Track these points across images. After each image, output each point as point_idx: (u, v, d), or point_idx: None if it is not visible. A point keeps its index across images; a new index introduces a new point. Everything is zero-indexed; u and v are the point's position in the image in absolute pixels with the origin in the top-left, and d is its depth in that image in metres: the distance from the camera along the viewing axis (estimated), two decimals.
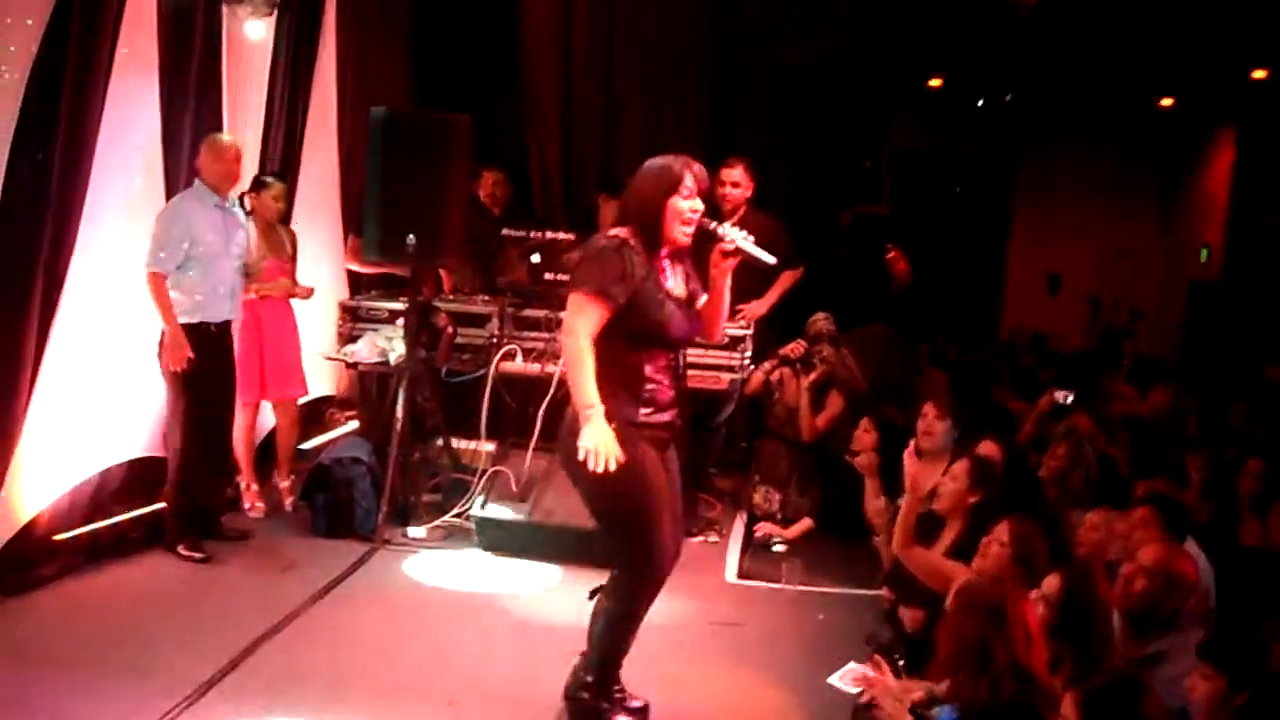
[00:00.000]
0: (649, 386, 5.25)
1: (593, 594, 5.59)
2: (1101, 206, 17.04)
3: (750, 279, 8.86)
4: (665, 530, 5.36)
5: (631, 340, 5.19)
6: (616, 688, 5.62)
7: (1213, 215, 15.92)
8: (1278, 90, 13.34)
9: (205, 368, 7.64)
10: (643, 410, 5.25)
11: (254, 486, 8.66)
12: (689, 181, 5.22)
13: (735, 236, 5.28)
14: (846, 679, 6.29)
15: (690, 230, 5.26)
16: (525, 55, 11.75)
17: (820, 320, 9.87)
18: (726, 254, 5.28)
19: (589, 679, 5.54)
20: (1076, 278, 17.28)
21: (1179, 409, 10.01)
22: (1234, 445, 8.45)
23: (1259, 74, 13.22)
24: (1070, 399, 8.68)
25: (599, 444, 5.00)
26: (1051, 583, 5.35)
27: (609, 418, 5.11)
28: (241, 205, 8.26)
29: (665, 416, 5.35)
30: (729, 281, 5.39)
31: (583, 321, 5.12)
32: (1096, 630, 5.28)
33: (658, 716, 5.74)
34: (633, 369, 5.23)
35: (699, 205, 5.27)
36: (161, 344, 7.51)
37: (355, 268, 9.65)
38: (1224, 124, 15.76)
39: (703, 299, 5.47)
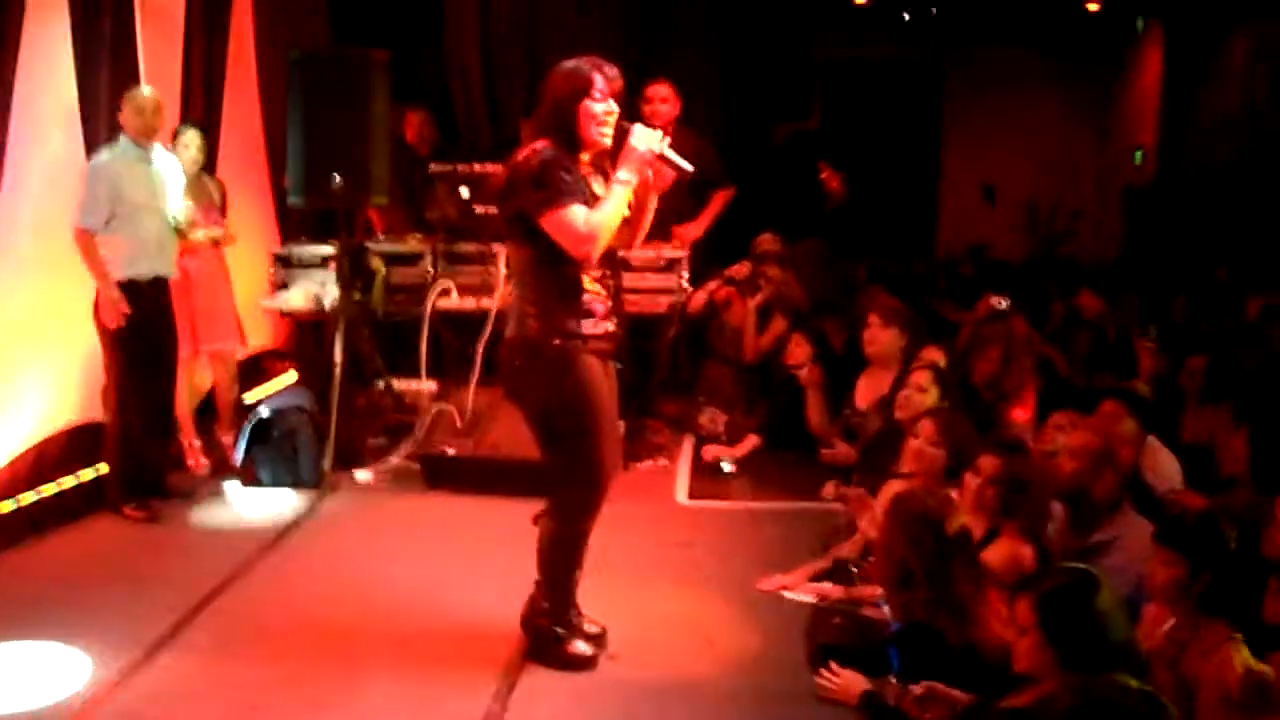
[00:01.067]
0: (586, 297, 5.20)
1: (536, 519, 5.55)
2: (1035, 114, 17.05)
3: (684, 201, 8.89)
4: (608, 445, 5.36)
5: (563, 252, 5.12)
6: (573, 613, 5.59)
7: (1145, 117, 15.94)
8: None
9: (140, 324, 7.53)
10: (585, 322, 5.20)
11: (196, 443, 8.59)
12: (600, 83, 5.13)
13: (650, 137, 5.20)
14: (801, 591, 6.29)
15: (607, 132, 5.18)
16: None
17: (766, 240, 9.86)
18: (640, 153, 5.16)
19: (545, 605, 5.52)
20: (1013, 187, 17.29)
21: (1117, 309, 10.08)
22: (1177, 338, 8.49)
23: None
24: (1005, 304, 8.69)
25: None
26: (987, 463, 5.39)
27: (551, 334, 5.12)
28: None
29: (607, 326, 5.30)
30: (630, 185, 5.22)
31: (578, 221, 5.02)
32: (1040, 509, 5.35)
33: (616, 640, 5.73)
34: (570, 281, 5.17)
35: (614, 108, 5.18)
36: (97, 304, 7.42)
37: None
38: (1151, 24, 15.76)
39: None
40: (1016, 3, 14.92)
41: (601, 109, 5.14)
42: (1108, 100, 17.29)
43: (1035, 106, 17.06)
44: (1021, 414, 7.23)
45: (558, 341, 5.14)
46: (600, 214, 5.07)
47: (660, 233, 8.61)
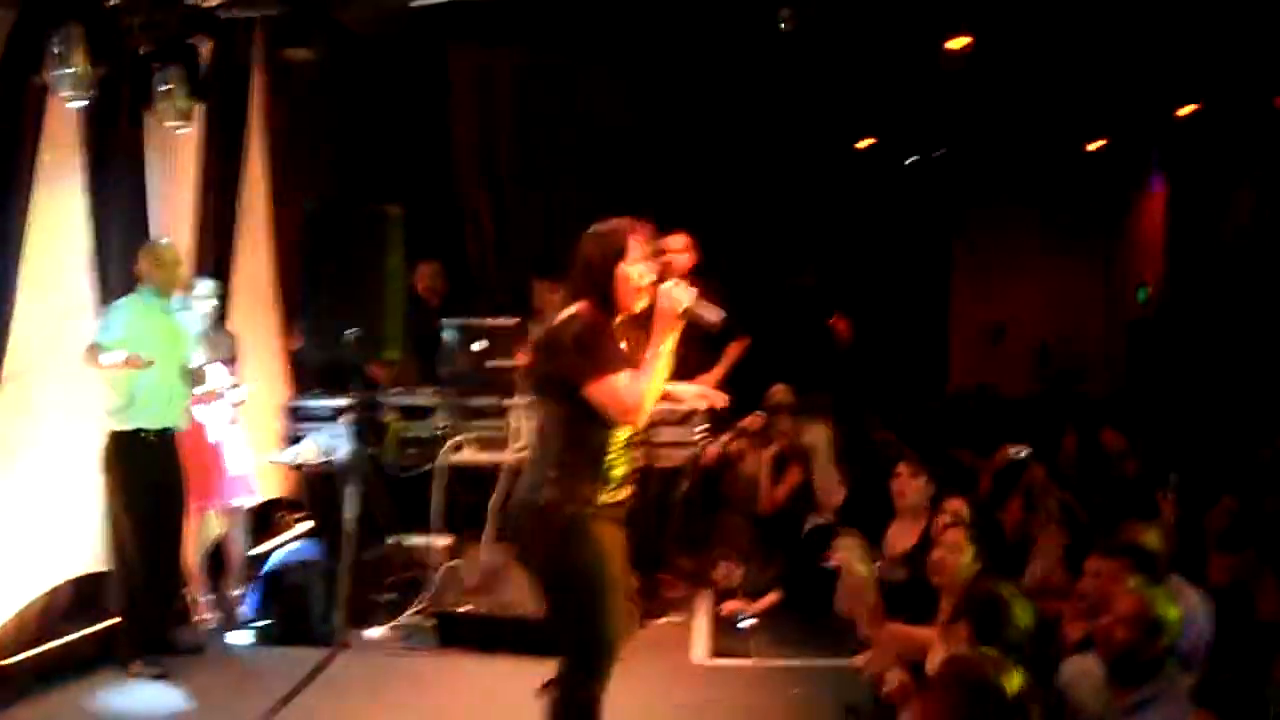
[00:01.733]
0: (607, 465, 5.14)
1: (542, 689, 5.45)
2: (1040, 256, 17.11)
3: (698, 353, 8.85)
4: (617, 615, 5.26)
5: (598, 416, 5.07)
6: None
7: (1150, 255, 16.00)
8: (1205, 125, 13.43)
9: (149, 476, 7.51)
10: (602, 489, 5.14)
11: (205, 596, 8.47)
12: (635, 246, 5.12)
13: (680, 293, 5.16)
14: None
15: (644, 294, 5.15)
16: (454, 147, 11.73)
17: (779, 392, 9.83)
18: (675, 314, 5.14)
19: None
20: (1018, 328, 17.31)
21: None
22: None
23: (1184, 110, 13.30)
24: (1025, 453, 8.63)
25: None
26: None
27: (566, 501, 5.06)
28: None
29: (621, 494, 5.25)
30: (668, 349, 5.22)
31: (624, 391, 4.99)
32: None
33: None
34: (595, 447, 5.12)
35: (650, 272, 5.15)
36: (102, 453, 7.38)
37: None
38: (1155, 163, 15.86)
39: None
40: (1021, 147, 14.99)
41: (638, 272, 5.11)
42: (1113, 238, 17.34)
43: (1041, 247, 17.12)
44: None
45: (570, 510, 5.08)
46: (644, 381, 5.03)
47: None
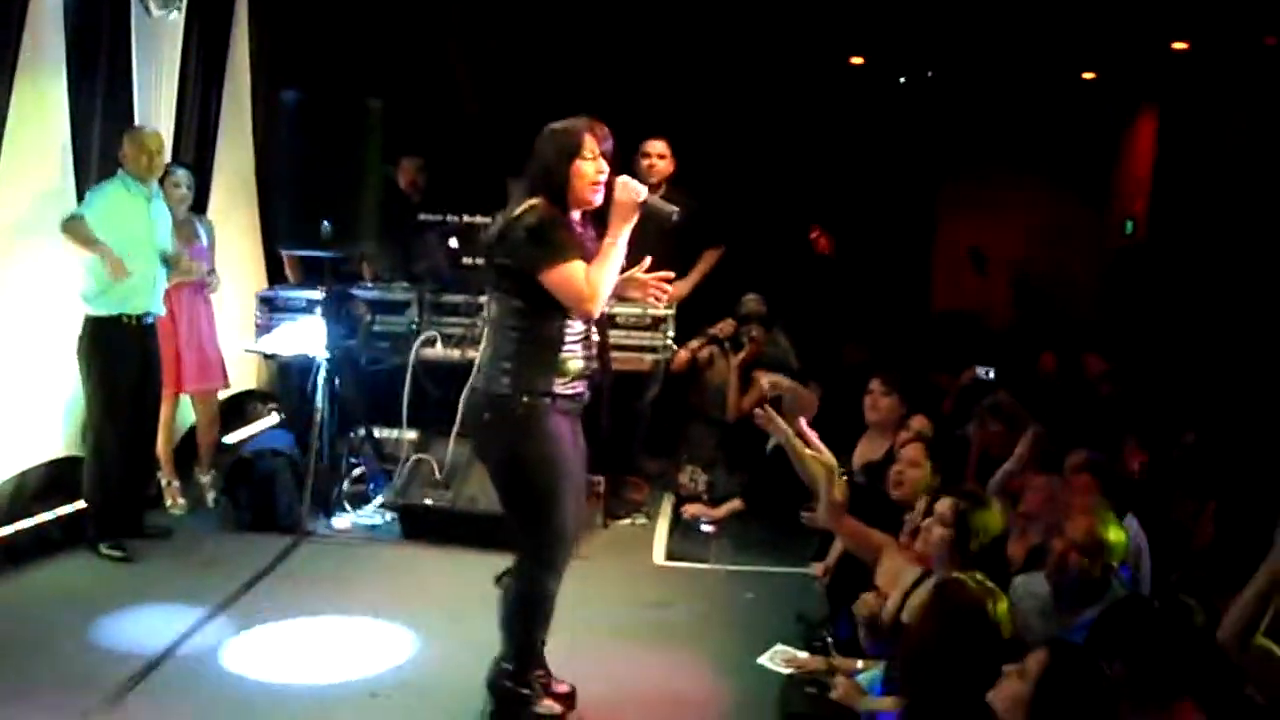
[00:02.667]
0: (563, 355, 5.21)
1: (499, 579, 5.53)
2: (1027, 182, 17.07)
3: (672, 259, 8.88)
4: (573, 505, 5.35)
5: (554, 307, 5.12)
6: (540, 672, 5.56)
7: (1138, 188, 15.98)
8: (1198, 63, 13.39)
9: (125, 362, 7.56)
10: (557, 380, 5.21)
11: (175, 482, 8.56)
12: (591, 144, 5.16)
13: (634, 188, 5.21)
14: (776, 659, 6.28)
15: (599, 190, 5.19)
16: (447, 44, 11.70)
17: (750, 300, 9.85)
18: (632, 206, 5.18)
19: (508, 666, 5.45)
20: (1003, 254, 17.30)
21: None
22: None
23: (1179, 46, 13.26)
24: (991, 374, 8.70)
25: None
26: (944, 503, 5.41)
27: (521, 391, 5.14)
28: None
29: (578, 387, 5.31)
30: (623, 241, 5.25)
31: (579, 279, 5.05)
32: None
33: (585, 700, 5.68)
34: (549, 338, 5.19)
35: (604, 168, 5.19)
36: (81, 338, 7.42)
37: (290, 275, 9.55)
38: (1147, 96, 15.82)
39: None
40: (1013, 74, 14.96)
41: (592, 169, 5.16)
42: (1102, 171, 17.31)
43: (1029, 176, 17.08)
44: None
45: (526, 399, 5.16)
46: (599, 271, 5.09)
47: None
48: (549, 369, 5.19)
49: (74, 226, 7.34)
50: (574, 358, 5.25)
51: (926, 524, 5.60)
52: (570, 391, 5.27)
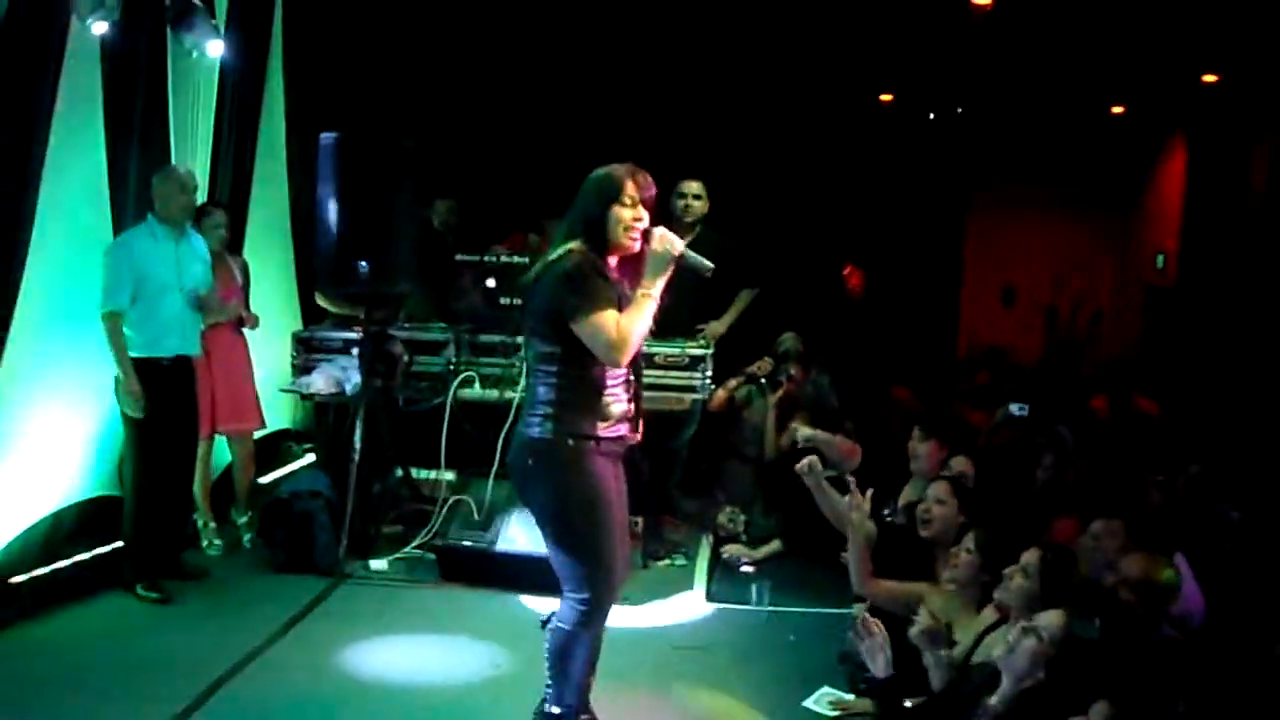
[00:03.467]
0: (605, 400, 5.20)
1: (544, 623, 5.49)
2: (1057, 217, 17.06)
3: (709, 299, 8.89)
4: (616, 548, 5.32)
5: (590, 352, 5.11)
6: (585, 717, 5.51)
7: (1168, 221, 15.95)
8: (1227, 94, 13.38)
9: (162, 404, 7.53)
10: (600, 424, 5.20)
11: (211, 523, 8.55)
12: (631, 190, 5.16)
13: (669, 242, 5.20)
14: (822, 702, 6.24)
15: (636, 238, 5.18)
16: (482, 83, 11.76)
17: (788, 338, 9.84)
18: (668, 258, 5.18)
19: (554, 711, 5.43)
20: (1032, 289, 17.29)
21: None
22: None
23: (1209, 78, 13.24)
24: (1025, 410, 8.68)
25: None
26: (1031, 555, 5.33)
27: (562, 433, 5.13)
28: None
29: (620, 430, 5.30)
30: (657, 292, 5.23)
31: (610, 328, 5.03)
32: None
33: None
34: (590, 382, 5.18)
35: (643, 214, 5.19)
36: (117, 379, 7.42)
37: (328, 307, 9.51)
38: (1176, 129, 15.80)
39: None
40: (1042, 106, 14.95)
41: (630, 215, 5.16)
42: (1131, 203, 17.28)
43: (1058, 209, 17.06)
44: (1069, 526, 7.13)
45: (571, 442, 5.15)
46: (630, 321, 5.07)
47: (685, 330, 8.60)
48: (590, 412, 5.19)
49: (113, 325, 7.33)
50: (616, 401, 5.25)
51: (1008, 572, 5.53)
52: (612, 434, 5.27)
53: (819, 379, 9.81)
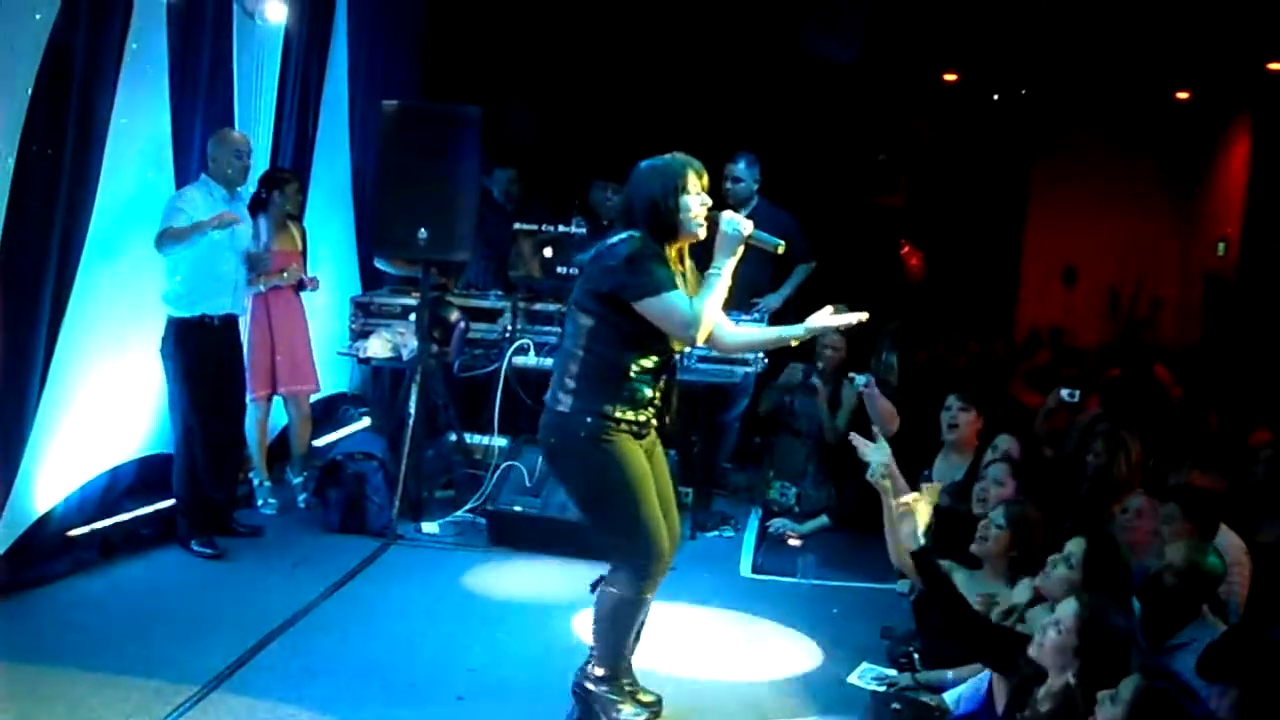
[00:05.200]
0: (630, 387, 5.27)
1: (594, 586, 5.55)
2: (1118, 200, 16.95)
3: (765, 273, 8.91)
4: (656, 516, 5.35)
5: (630, 338, 5.20)
6: (628, 681, 5.56)
7: (1230, 208, 15.83)
8: None
9: (209, 361, 7.67)
10: (620, 407, 5.26)
11: (267, 482, 8.65)
12: (693, 179, 5.24)
13: (739, 223, 5.27)
14: (866, 677, 6.26)
15: (703, 224, 5.25)
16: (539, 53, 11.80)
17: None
18: (738, 239, 5.25)
19: (598, 672, 5.48)
20: (1093, 271, 17.20)
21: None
22: None
23: (1275, 66, 13.13)
24: (1076, 395, 8.68)
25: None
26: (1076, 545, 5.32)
27: (583, 411, 5.21)
28: (262, 199, 8.27)
29: (641, 416, 5.35)
30: (728, 272, 5.32)
31: (683, 306, 5.13)
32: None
33: (671, 712, 5.67)
34: (617, 367, 5.25)
35: (707, 199, 5.27)
36: (164, 339, 7.54)
37: (389, 269, 9.58)
38: (1240, 116, 15.66)
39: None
40: (1106, 90, 14.83)
41: (698, 203, 5.23)
42: (1193, 188, 17.15)
43: (1120, 192, 16.94)
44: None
45: (589, 419, 5.22)
46: (705, 301, 5.17)
47: (740, 303, 8.63)
48: (613, 395, 5.25)
49: (167, 235, 7.40)
50: (643, 389, 5.31)
51: (1053, 559, 5.53)
52: (634, 419, 5.33)
53: (888, 358, 9.84)
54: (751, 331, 5.40)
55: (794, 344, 5.84)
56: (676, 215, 5.22)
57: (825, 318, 5.58)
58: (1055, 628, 4.58)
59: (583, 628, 5.56)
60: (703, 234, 5.31)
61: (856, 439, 6.37)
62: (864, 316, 5.59)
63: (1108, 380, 10.77)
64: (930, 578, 5.31)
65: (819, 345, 9.37)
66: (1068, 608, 4.60)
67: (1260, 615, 5.87)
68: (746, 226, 5.29)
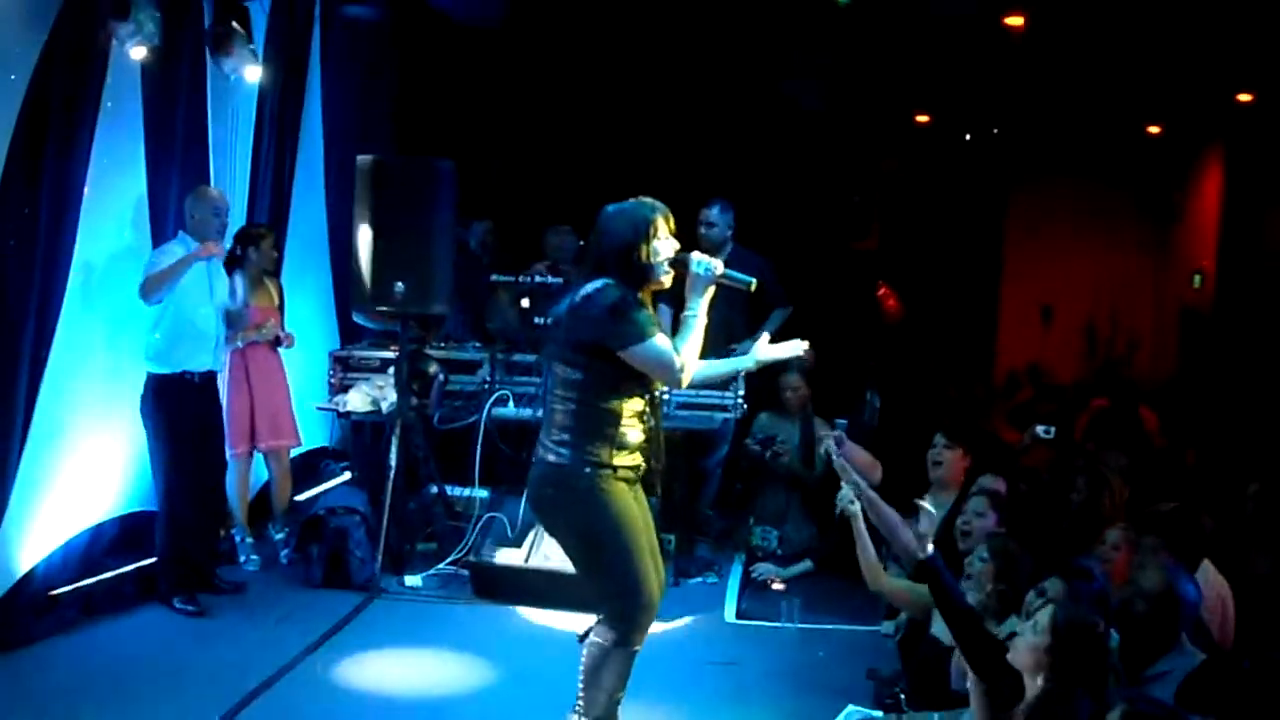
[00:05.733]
0: (621, 430, 5.30)
1: (583, 637, 5.56)
2: (1093, 236, 17.02)
3: (741, 317, 8.92)
4: (647, 564, 5.37)
5: (616, 384, 5.24)
6: None
7: (1204, 240, 15.90)
8: (1264, 113, 13.34)
9: (189, 418, 7.68)
10: (617, 453, 5.29)
11: (249, 539, 8.63)
12: (661, 225, 5.28)
13: (709, 263, 5.30)
14: None
15: (670, 271, 5.29)
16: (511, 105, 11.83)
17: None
18: (709, 280, 5.30)
19: None
20: (1069, 308, 17.25)
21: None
22: None
23: (1244, 97, 13.22)
24: (1052, 432, 8.71)
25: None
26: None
27: (581, 462, 5.25)
28: (237, 256, 8.27)
29: (634, 459, 5.38)
30: (703, 313, 5.36)
31: (669, 352, 5.19)
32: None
33: None
34: (609, 414, 5.28)
35: (675, 244, 5.31)
36: (144, 396, 7.55)
37: (366, 323, 9.55)
38: (1212, 147, 15.75)
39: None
40: (1078, 126, 14.91)
41: (668, 247, 5.28)
42: (1167, 222, 17.23)
43: (1094, 228, 17.02)
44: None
45: (587, 470, 5.25)
46: (686, 343, 5.25)
47: (716, 348, 8.63)
48: (608, 441, 5.28)
49: (151, 281, 7.44)
50: (633, 431, 5.34)
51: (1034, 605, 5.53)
52: (630, 464, 5.36)
53: (872, 399, 9.85)
54: (705, 365, 5.42)
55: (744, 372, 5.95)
56: (648, 261, 5.26)
57: (768, 347, 5.72)
58: (1032, 629, 4.59)
59: (572, 681, 5.54)
60: (668, 282, 5.35)
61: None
62: (805, 344, 5.71)
63: (1094, 413, 10.82)
64: (934, 582, 5.30)
65: (780, 389, 9.41)
66: (1041, 616, 4.62)
67: (1243, 647, 5.89)
68: (717, 267, 5.34)
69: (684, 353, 5.22)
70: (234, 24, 8.24)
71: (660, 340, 5.18)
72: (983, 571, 5.94)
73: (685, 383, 5.30)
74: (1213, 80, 12.63)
